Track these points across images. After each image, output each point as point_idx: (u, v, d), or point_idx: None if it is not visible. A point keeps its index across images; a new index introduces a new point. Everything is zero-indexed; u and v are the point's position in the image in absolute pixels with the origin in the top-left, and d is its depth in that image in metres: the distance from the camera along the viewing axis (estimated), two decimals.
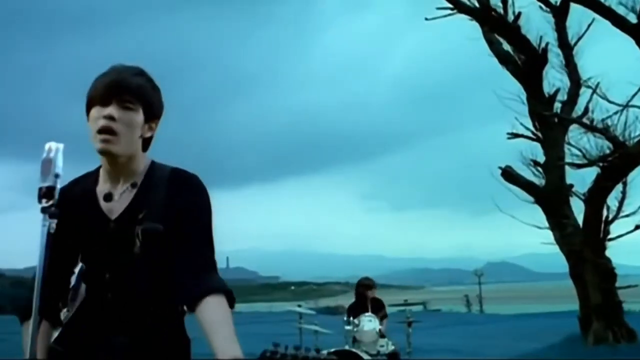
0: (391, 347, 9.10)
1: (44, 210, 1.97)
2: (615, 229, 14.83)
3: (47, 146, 2.04)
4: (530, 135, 15.96)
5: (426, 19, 16.86)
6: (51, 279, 2.07)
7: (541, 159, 15.74)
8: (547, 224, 15.31)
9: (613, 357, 12.46)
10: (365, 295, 9.36)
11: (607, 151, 14.03)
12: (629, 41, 13.44)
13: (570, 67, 16.25)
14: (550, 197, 15.18)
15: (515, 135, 16.10)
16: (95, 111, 2.17)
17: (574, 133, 14.92)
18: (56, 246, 2.07)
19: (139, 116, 2.20)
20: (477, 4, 15.83)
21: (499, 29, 15.64)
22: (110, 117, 2.13)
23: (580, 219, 14.79)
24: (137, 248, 2.16)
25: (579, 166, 14.17)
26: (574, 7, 15.78)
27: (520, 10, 15.58)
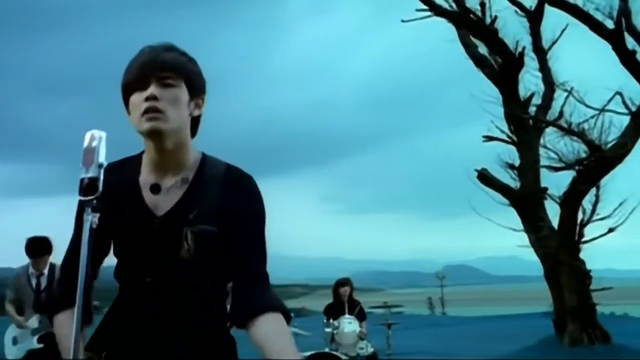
0: (370, 350, 9.07)
1: (86, 203, 1.81)
2: (588, 232, 15.05)
3: (88, 134, 1.86)
4: (506, 138, 16.06)
5: (402, 20, 16.85)
6: (75, 271, 1.88)
7: (518, 162, 15.86)
8: (522, 227, 15.43)
9: (590, 357, 12.60)
10: (342, 296, 9.33)
11: (583, 155, 14.21)
12: (606, 46, 13.61)
13: (545, 71, 16.40)
14: (526, 200, 15.29)
15: (491, 138, 16.20)
16: (135, 97, 1.99)
17: (551, 137, 15.09)
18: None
19: (183, 92, 2.00)
20: (454, 7, 15.92)
21: (477, 32, 15.70)
22: (153, 97, 1.95)
23: (554, 221, 14.94)
24: (185, 251, 1.96)
25: (556, 169, 14.32)
26: (549, 12, 15.96)
27: (496, 14, 15.74)
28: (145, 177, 2.06)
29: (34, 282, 6.86)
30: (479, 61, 16.42)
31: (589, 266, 14.57)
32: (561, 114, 15.35)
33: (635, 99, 13.87)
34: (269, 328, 1.90)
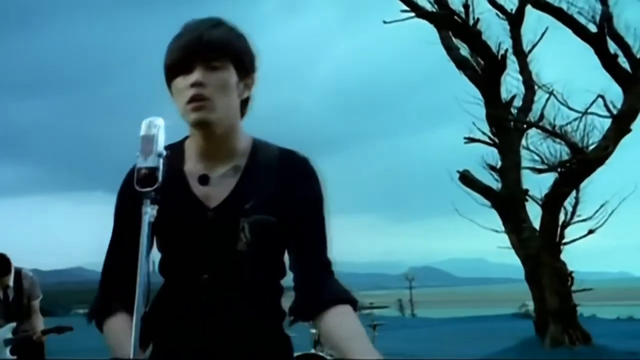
0: None
1: (144, 195, 1.68)
2: (567, 233, 15.20)
3: (146, 122, 1.74)
4: (487, 140, 16.15)
5: (384, 22, 16.85)
6: (127, 272, 1.81)
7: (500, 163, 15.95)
8: (503, 228, 15.52)
9: (572, 358, 12.71)
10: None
11: (565, 157, 14.35)
12: (589, 50, 13.77)
13: (525, 73, 16.52)
14: (507, 201, 15.37)
15: (472, 140, 16.27)
16: (179, 81, 1.82)
17: (534, 139, 15.21)
18: (127, 232, 1.83)
19: (231, 75, 1.84)
20: (436, 9, 15.95)
21: (460, 34, 15.75)
22: (199, 84, 1.79)
23: (536, 223, 15.06)
24: (242, 244, 1.82)
25: (540, 171, 14.43)
26: (530, 15, 16.09)
27: (478, 16, 15.81)
28: (192, 166, 1.90)
29: (0, 294, 6.37)
30: (461, 63, 16.46)
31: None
32: (542, 116, 15.49)
33: (616, 102, 14.06)
34: (341, 322, 1.78)
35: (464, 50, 16.58)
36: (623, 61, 14.02)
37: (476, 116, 16.01)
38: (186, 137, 1.96)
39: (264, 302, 1.89)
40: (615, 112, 14.04)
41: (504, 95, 16.14)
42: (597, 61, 13.82)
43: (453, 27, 15.72)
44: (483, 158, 15.84)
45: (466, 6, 15.39)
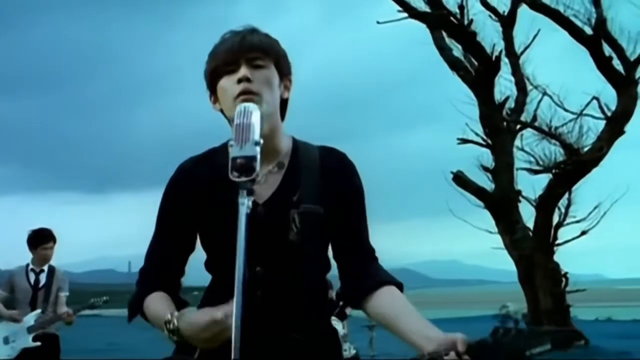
0: (353, 351, 8.95)
1: (240, 185, 1.64)
2: (560, 235, 15.31)
3: (240, 109, 1.71)
4: (481, 141, 16.22)
5: (378, 22, 16.87)
6: (167, 265, 2.00)
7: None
8: (496, 229, 15.58)
9: (568, 358, 12.76)
10: None
11: (559, 158, 14.44)
12: (585, 52, 13.87)
13: (518, 75, 16.62)
14: (500, 202, 15.44)
15: (465, 141, 16.33)
16: (224, 81, 1.91)
17: (529, 140, 15.29)
18: (174, 232, 1.99)
19: (274, 74, 1.94)
20: (427, 9, 16.00)
21: (456, 34, 15.79)
22: (246, 79, 1.87)
23: (529, 224, 15.14)
24: (293, 235, 1.87)
25: (535, 172, 14.50)
26: (523, 17, 16.19)
27: (472, 17, 15.86)
28: None
29: (32, 278, 6.63)
30: (454, 64, 16.51)
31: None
32: (535, 117, 15.59)
33: (611, 104, 14.17)
34: (393, 300, 1.87)
35: (457, 51, 16.68)
36: (617, 63, 14.13)
37: (469, 117, 16.06)
38: (228, 140, 1.95)
39: (315, 294, 1.94)
40: (609, 114, 14.15)
41: (497, 96, 16.24)
42: (593, 63, 13.91)
43: (448, 27, 15.75)
44: (478, 159, 15.86)
45: (461, 7, 15.44)
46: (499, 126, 15.95)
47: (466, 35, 15.37)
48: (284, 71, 1.99)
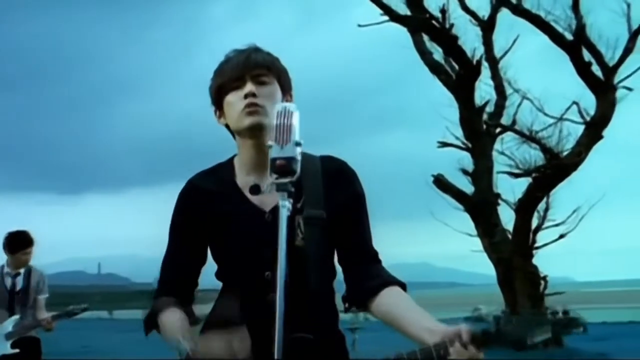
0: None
1: (280, 187, 1.66)
2: (539, 238, 15.45)
3: (279, 109, 1.73)
4: (461, 144, 16.33)
5: (359, 25, 16.93)
6: (183, 279, 2.11)
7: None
8: (475, 232, 15.69)
9: (548, 358, 12.92)
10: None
11: (539, 162, 14.58)
12: (566, 57, 14.03)
13: (497, 80, 16.76)
14: (479, 205, 15.55)
15: (445, 144, 16.44)
16: (231, 97, 2.04)
17: (510, 144, 15.42)
18: (186, 245, 2.10)
19: (277, 89, 2.07)
20: (410, 13, 16.08)
21: (437, 38, 15.88)
22: (252, 94, 2.00)
23: (508, 227, 15.26)
24: (300, 240, 1.95)
25: (516, 175, 14.63)
26: (503, 22, 16.33)
27: (453, 22, 15.96)
28: (243, 178, 2.08)
29: (8, 282, 6.28)
30: (435, 68, 16.60)
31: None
32: (514, 121, 15.74)
33: (590, 109, 14.34)
34: (396, 299, 1.95)
35: (437, 55, 16.77)
36: (596, 69, 14.31)
37: (450, 120, 16.16)
38: (234, 156, 2.14)
39: (322, 296, 2.00)
40: (588, 119, 14.32)
41: (477, 100, 16.35)
42: (573, 68, 14.08)
43: (429, 31, 15.83)
44: (459, 162, 15.97)
45: (443, 11, 15.53)
46: (479, 130, 16.06)
47: (447, 39, 15.46)
48: (286, 87, 2.11)
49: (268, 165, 1.91)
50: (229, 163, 2.14)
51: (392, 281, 2.00)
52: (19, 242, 6.31)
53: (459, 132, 16.25)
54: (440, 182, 15.68)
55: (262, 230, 1.98)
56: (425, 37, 16.63)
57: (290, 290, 1.82)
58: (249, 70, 2.03)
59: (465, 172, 16.16)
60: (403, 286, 2.01)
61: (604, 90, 14.22)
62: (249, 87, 2.01)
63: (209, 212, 2.05)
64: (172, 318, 2.00)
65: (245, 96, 2.00)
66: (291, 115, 1.71)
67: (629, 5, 14.45)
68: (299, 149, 1.68)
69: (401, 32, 16.59)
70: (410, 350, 1.76)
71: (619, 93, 14.34)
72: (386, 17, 16.01)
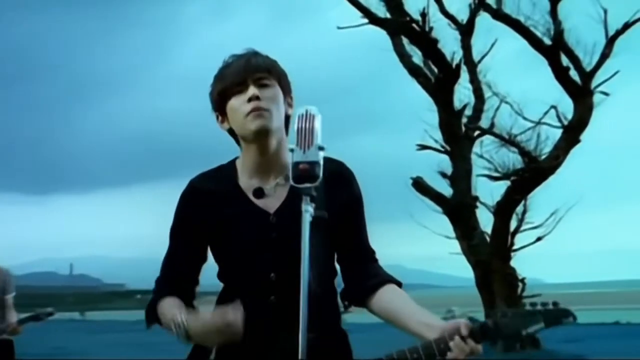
0: None
1: (303, 191, 1.67)
2: (517, 240, 15.58)
3: (301, 113, 1.74)
4: (439, 147, 16.39)
5: (338, 27, 16.93)
6: (182, 279, 2.13)
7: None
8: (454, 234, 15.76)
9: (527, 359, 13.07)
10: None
11: (517, 166, 14.71)
12: (545, 61, 14.17)
13: (475, 83, 16.86)
14: (458, 208, 15.63)
15: (424, 147, 16.50)
16: (234, 101, 2.05)
17: (489, 147, 15.53)
18: (186, 244, 2.12)
19: (279, 91, 2.08)
20: (390, 16, 16.13)
21: (417, 41, 15.94)
22: (256, 97, 2.01)
23: (486, 229, 15.36)
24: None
25: (495, 179, 14.74)
26: (482, 26, 16.44)
27: (432, 25, 16.04)
28: (246, 181, 2.10)
29: None
30: (414, 71, 16.64)
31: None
32: (492, 124, 15.85)
33: (568, 113, 14.49)
34: (394, 296, 2.01)
35: (417, 58, 16.82)
36: (574, 74, 14.46)
37: (429, 123, 16.24)
38: (236, 158, 2.16)
39: (326, 299, 2.03)
40: (566, 123, 14.47)
41: (456, 104, 16.43)
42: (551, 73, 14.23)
43: (409, 34, 15.88)
44: (439, 165, 16.05)
45: (423, 15, 15.59)
46: (458, 133, 16.15)
47: (427, 43, 15.53)
48: (286, 89, 2.12)
49: (270, 168, 2.07)
50: (231, 165, 2.15)
51: (389, 279, 2.07)
52: None
53: (438, 135, 16.33)
54: (419, 185, 15.73)
55: (266, 232, 2.02)
56: (405, 40, 16.68)
57: (293, 290, 1.85)
58: (251, 73, 2.03)
59: (444, 175, 16.24)
60: (399, 284, 2.07)
61: (582, 94, 14.38)
62: (252, 90, 2.01)
63: (211, 214, 2.07)
64: (170, 303, 2.04)
65: (249, 100, 2.00)
66: (313, 119, 1.71)
67: (605, 11, 14.60)
68: (321, 153, 1.70)
69: (380, 35, 16.65)
70: (410, 346, 1.82)
71: (596, 98, 14.51)
72: (365, 20, 16.06)
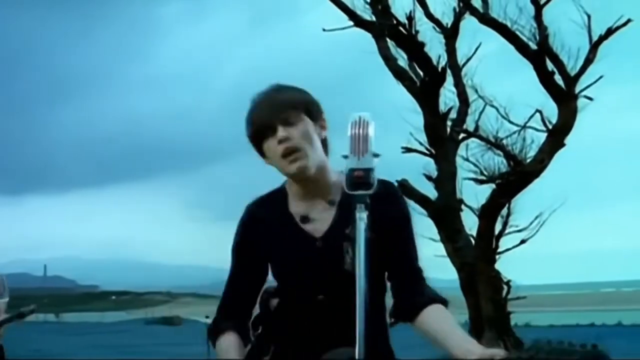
0: None
1: (358, 199, 1.70)
2: (501, 243, 15.69)
3: (355, 119, 1.76)
4: (424, 150, 16.47)
5: (324, 30, 16.95)
6: (242, 299, 2.28)
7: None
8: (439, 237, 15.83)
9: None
10: (269, 305, 9.10)
11: (502, 169, 14.83)
12: (529, 66, 14.29)
13: (460, 87, 16.96)
14: (443, 210, 15.70)
15: (409, 150, 16.57)
16: (268, 143, 2.15)
17: (475, 151, 15.63)
18: (246, 269, 2.26)
19: (308, 124, 2.15)
20: (374, 18, 16.20)
21: (403, 44, 16.00)
22: (285, 139, 2.10)
23: (471, 232, 15.46)
24: (348, 265, 2.10)
25: (481, 182, 14.84)
26: (467, 30, 16.55)
27: (417, 29, 16.12)
28: (295, 207, 2.22)
29: None
30: (399, 74, 16.68)
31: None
32: (477, 128, 15.95)
33: (552, 117, 14.62)
34: (439, 316, 2.12)
35: (402, 61, 16.88)
36: (558, 78, 14.59)
37: (414, 126, 16.31)
38: (285, 182, 2.28)
39: (373, 316, 2.04)
40: (550, 126, 14.60)
41: (441, 107, 16.51)
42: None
43: (395, 37, 15.95)
44: (425, 167, 16.13)
45: (410, 18, 15.66)
46: (443, 136, 16.23)
47: (414, 46, 15.60)
48: (316, 115, 2.20)
49: (315, 194, 2.18)
50: (283, 190, 2.27)
51: (436, 299, 2.17)
52: None
53: (423, 138, 16.39)
54: (404, 187, 15.76)
55: (313, 257, 2.15)
56: (390, 43, 16.75)
57: (341, 311, 2.03)
58: (276, 116, 2.11)
59: (429, 177, 16.31)
60: (445, 303, 2.18)
61: (566, 99, 14.50)
62: (281, 132, 2.10)
63: (265, 239, 2.21)
64: (230, 347, 2.20)
65: (280, 142, 2.10)
66: (367, 125, 1.74)
67: (589, 17, 14.74)
68: (376, 160, 1.72)
69: (362, 37, 16.69)
70: None
71: (580, 102, 14.64)
72: (351, 23, 16.10)
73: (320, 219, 2.19)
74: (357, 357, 1.72)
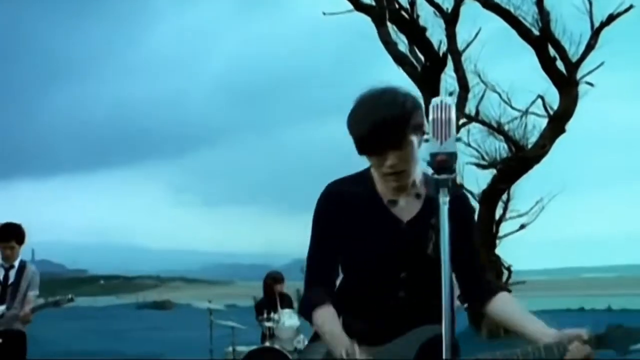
0: (306, 342, 8.95)
1: (441, 183, 1.70)
2: (501, 228, 15.78)
3: (436, 103, 1.73)
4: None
5: (324, 13, 16.88)
6: (329, 271, 2.34)
7: None
8: None
9: (510, 347, 13.20)
10: (273, 290, 9.15)
11: (504, 154, 14.87)
12: (532, 52, 14.31)
13: (460, 72, 16.93)
14: None
15: None
16: (374, 159, 2.18)
17: (476, 137, 15.65)
18: (329, 245, 2.31)
19: (413, 143, 2.11)
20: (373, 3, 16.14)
21: (404, 29, 15.95)
22: (392, 166, 2.13)
23: None
24: (431, 250, 2.21)
25: (484, 167, 14.88)
26: (468, 15, 16.51)
27: (418, 14, 16.07)
28: (382, 191, 2.28)
29: (1, 274, 6.23)
30: (400, 59, 16.65)
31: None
32: (477, 112, 15.97)
33: (554, 103, 14.67)
34: (511, 303, 2.30)
35: (402, 46, 16.83)
36: (560, 64, 14.63)
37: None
38: (370, 166, 2.29)
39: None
40: (552, 113, 14.64)
41: (441, 92, 16.47)
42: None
43: (397, 22, 15.89)
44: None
45: (412, 3, 15.61)
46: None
47: (416, 31, 15.55)
48: (420, 127, 2.14)
49: (405, 188, 2.24)
50: (367, 173, 2.32)
51: (501, 288, 2.40)
52: (9, 233, 6.24)
53: None
54: None
55: (398, 237, 2.24)
56: (391, 28, 16.69)
57: (420, 288, 2.22)
58: (384, 138, 2.08)
59: (429, 163, 16.30)
60: (509, 292, 2.41)
61: (567, 85, 14.55)
62: (390, 161, 2.12)
63: (348, 215, 2.27)
64: (331, 319, 2.26)
65: (387, 169, 2.14)
66: (449, 110, 1.71)
67: (590, 3, 14.78)
68: (458, 144, 1.71)
69: (361, 21, 16.62)
70: (533, 346, 2.10)
71: (581, 88, 14.70)
72: (350, 7, 16.04)
73: (407, 207, 2.27)
74: (444, 356, 1.76)
